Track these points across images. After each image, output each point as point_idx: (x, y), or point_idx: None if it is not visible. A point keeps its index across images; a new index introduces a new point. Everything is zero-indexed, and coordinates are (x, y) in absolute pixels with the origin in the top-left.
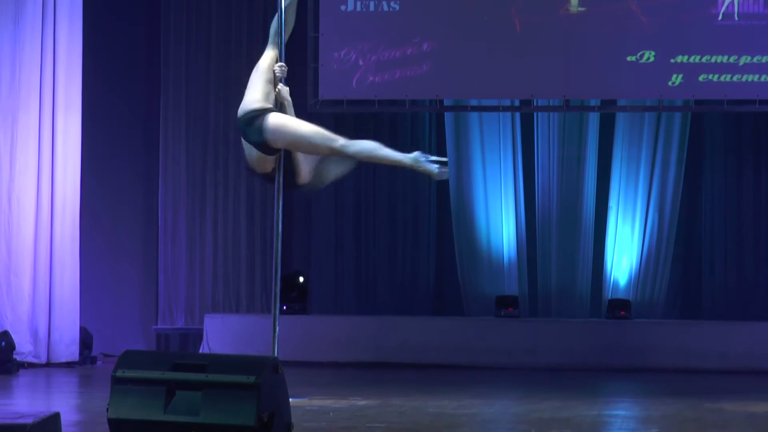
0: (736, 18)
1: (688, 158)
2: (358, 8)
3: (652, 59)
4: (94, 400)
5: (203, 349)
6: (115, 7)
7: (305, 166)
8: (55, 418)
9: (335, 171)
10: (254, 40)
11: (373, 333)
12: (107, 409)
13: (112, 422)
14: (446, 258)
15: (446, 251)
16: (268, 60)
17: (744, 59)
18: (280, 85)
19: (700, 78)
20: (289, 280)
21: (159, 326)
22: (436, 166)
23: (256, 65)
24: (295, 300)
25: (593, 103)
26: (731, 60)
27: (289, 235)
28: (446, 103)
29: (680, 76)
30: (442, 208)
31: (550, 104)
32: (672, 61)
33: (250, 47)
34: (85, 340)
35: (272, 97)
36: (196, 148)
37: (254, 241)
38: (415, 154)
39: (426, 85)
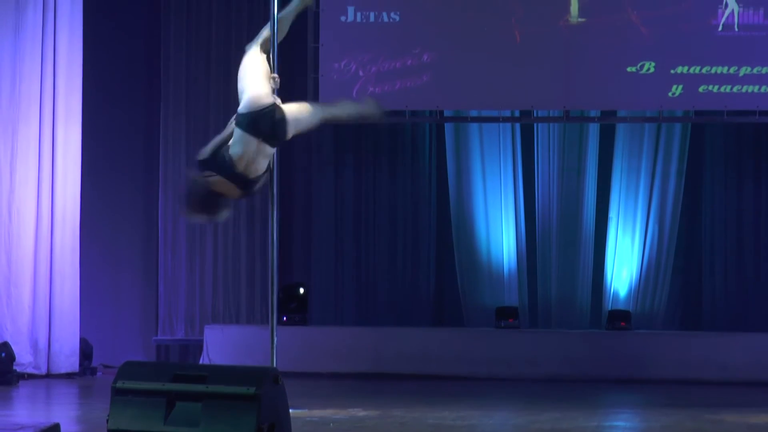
0: (736, 29)
1: (688, 169)
2: (359, 19)
3: (652, 70)
4: (94, 411)
5: (203, 360)
6: (116, 18)
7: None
8: (55, 429)
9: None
10: None
11: (373, 344)
12: (107, 420)
13: None
14: (446, 269)
15: (446, 262)
16: (260, 58)
17: (744, 70)
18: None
19: (700, 89)
20: (288, 291)
21: (159, 337)
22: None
23: (248, 62)
24: (295, 311)
25: (593, 113)
26: (731, 71)
27: (288, 246)
28: (446, 113)
29: (680, 86)
30: (442, 218)
31: (550, 115)
32: (672, 71)
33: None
34: (85, 351)
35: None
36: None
37: (254, 252)
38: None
39: (426, 96)
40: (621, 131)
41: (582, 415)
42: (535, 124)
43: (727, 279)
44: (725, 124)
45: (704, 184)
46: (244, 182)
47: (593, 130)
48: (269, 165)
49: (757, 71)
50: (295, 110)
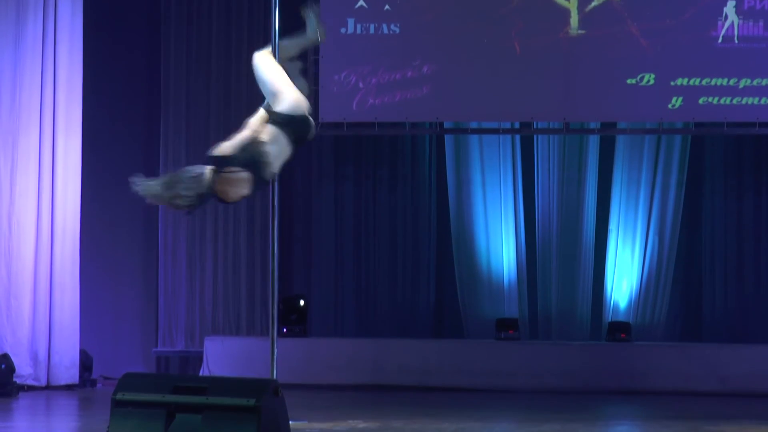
0: (736, 41)
1: (688, 181)
2: (359, 31)
3: (652, 82)
4: (94, 423)
5: (203, 371)
6: (116, 30)
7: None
8: None
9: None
10: None
11: (373, 355)
12: None
13: None
14: (446, 280)
15: (446, 273)
16: (278, 65)
17: (744, 82)
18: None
19: (700, 101)
20: (289, 303)
21: (159, 349)
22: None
23: (271, 63)
24: (295, 322)
25: (593, 125)
26: (731, 83)
27: (289, 258)
28: (446, 125)
29: (680, 98)
30: (442, 230)
31: (550, 127)
32: (672, 83)
33: (250, 71)
34: (85, 363)
35: None
36: None
37: (254, 263)
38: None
39: (426, 108)
40: (621, 143)
41: (582, 427)
42: (535, 136)
43: (727, 290)
44: (725, 136)
45: (704, 195)
46: (265, 182)
47: (593, 142)
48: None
49: (757, 83)
50: None
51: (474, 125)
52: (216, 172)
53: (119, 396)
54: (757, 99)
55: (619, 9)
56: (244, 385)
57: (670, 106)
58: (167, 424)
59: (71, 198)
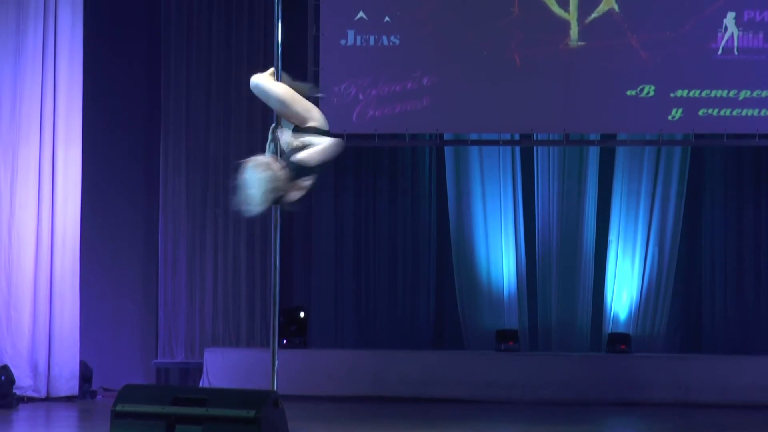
0: (736, 53)
1: (688, 192)
2: (359, 42)
3: (652, 93)
4: None
5: (203, 383)
6: (116, 41)
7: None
8: None
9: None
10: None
11: (373, 367)
12: None
13: None
14: (446, 292)
15: (446, 285)
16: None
17: (744, 94)
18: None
19: (700, 112)
20: (289, 314)
21: (159, 360)
22: None
23: (282, 85)
24: (295, 334)
25: (593, 137)
26: (731, 94)
27: (289, 269)
28: (446, 137)
29: (680, 110)
30: (442, 241)
31: (550, 138)
32: (672, 95)
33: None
34: (85, 375)
35: None
36: (196, 181)
37: (254, 275)
38: None
39: (426, 119)
40: (621, 154)
41: None
42: (535, 147)
43: (727, 301)
44: (725, 148)
45: (704, 206)
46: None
47: (593, 153)
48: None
49: (757, 95)
50: None
51: (474, 137)
52: (291, 178)
53: (119, 407)
54: (756, 110)
55: (619, 21)
56: (244, 396)
57: (670, 117)
58: None
59: (71, 209)
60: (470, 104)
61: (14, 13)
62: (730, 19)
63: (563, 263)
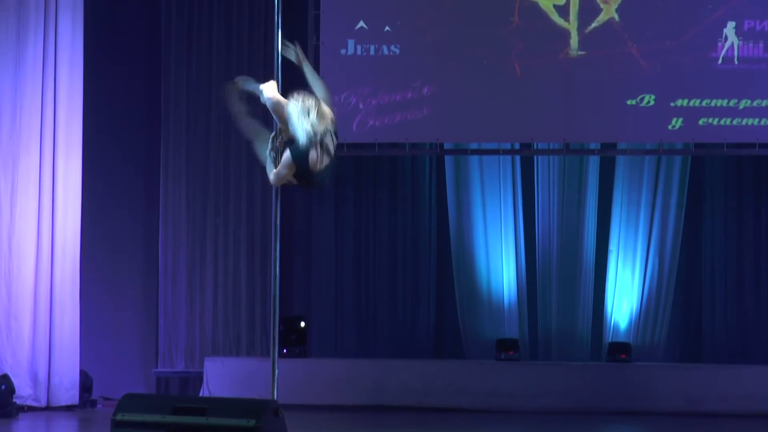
0: (736, 62)
1: (688, 202)
2: (359, 52)
3: (652, 103)
4: None
5: (203, 392)
6: (116, 52)
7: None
8: None
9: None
10: None
11: (373, 376)
12: None
13: None
14: (446, 301)
15: (446, 294)
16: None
17: (744, 103)
18: None
19: (700, 122)
20: (289, 324)
21: (159, 369)
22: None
23: (280, 99)
24: (296, 343)
25: (593, 146)
26: (731, 104)
27: (289, 279)
28: (446, 146)
29: (680, 119)
30: (443, 250)
31: (550, 147)
32: (672, 104)
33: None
34: (85, 384)
35: None
36: (197, 192)
37: (254, 284)
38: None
39: (426, 129)
40: (621, 164)
41: None
42: (535, 157)
43: (727, 311)
44: (725, 157)
45: (704, 216)
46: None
47: (593, 163)
48: None
49: (757, 104)
50: None
51: (474, 146)
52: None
53: (119, 417)
54: (757, 120)
55: (619, 30)
56: (244, 405)
57: (670, 126)
58: None
59: (71, 219)
60: (470, 113)
61: (14, 24)
62: (730, 29)
63: (563, 272)
